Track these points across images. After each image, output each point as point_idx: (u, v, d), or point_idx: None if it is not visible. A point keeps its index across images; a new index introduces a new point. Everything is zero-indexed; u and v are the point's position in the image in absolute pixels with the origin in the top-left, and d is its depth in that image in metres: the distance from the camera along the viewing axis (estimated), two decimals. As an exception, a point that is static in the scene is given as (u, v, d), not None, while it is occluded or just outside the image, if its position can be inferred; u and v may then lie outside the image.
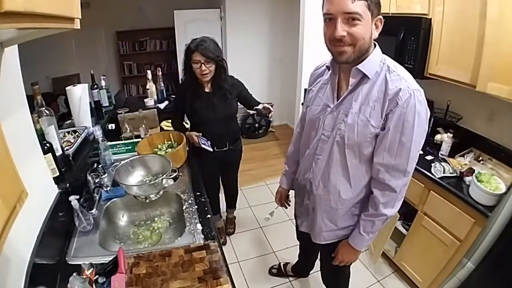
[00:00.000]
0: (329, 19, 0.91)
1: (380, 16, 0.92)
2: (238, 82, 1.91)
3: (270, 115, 1.74)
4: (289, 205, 1.57)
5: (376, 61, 0.97)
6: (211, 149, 1.80)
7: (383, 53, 1.01)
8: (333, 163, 1.09)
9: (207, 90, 1.81)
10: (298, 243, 1.79)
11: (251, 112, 1.82)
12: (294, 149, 1.38)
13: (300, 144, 1.30)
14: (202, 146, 1.76)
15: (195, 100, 1.79)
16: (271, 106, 1.73)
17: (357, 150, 1.03)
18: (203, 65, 1.66)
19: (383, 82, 0.95)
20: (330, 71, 1.09)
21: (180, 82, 2.17)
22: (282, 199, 1.54)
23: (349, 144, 1.03)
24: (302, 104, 3.01)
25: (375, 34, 0.94)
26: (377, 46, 1.00)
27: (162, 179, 1.38)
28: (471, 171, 1.58)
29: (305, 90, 1.25)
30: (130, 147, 1.94)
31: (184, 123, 2.03)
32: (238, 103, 1.93)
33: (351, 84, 1.00)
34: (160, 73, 2.74)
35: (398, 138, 0.95)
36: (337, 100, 1.05)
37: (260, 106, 1.76)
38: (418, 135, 0.95)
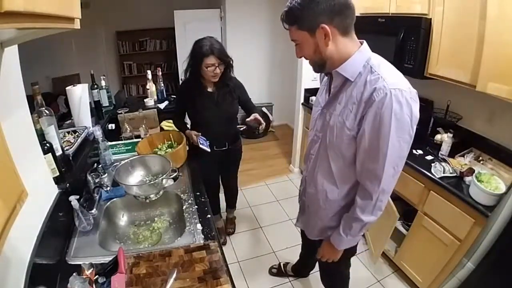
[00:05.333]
0: None
1: (322, 25, 0.85)
2: (240, 84, 1.93)
3: (260, 128, 1.75)
4: None
5: (359, 62, 0.93)
6: (208, 150, 1.80)
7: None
8: (320, 163, 1.12)
9: (210, 89, 1.81)
10: (297, 243, 1.79)
11: (240, 128, 1.86)
12: None
13: None
14: (200, 146, 1.76)
15: (198, 99, 1.79)
16: (268, 117, 1.74)
17: (338, 151, 1.03)
18: (217, 68, 1.65)
19: (363, 83, 0.91)
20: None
21: (180, 82, 2.17)
22: None
23: (329, 146, 1.05)
24: (302, 104, 3.04)
25: (327, 43, 0.89)
26: (364, 45, 0.95)
27: (162, 179, 1.38)
28: (471, 171, 1.58)
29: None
30: (130, 147, 1.93)
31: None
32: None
33: (333, 87, 1.01)
34: (160, 73, 2.75)
35: (374, 141, 0.90)
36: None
37: (251, 117, 1.76)
38: (398, 139, 0.88)
